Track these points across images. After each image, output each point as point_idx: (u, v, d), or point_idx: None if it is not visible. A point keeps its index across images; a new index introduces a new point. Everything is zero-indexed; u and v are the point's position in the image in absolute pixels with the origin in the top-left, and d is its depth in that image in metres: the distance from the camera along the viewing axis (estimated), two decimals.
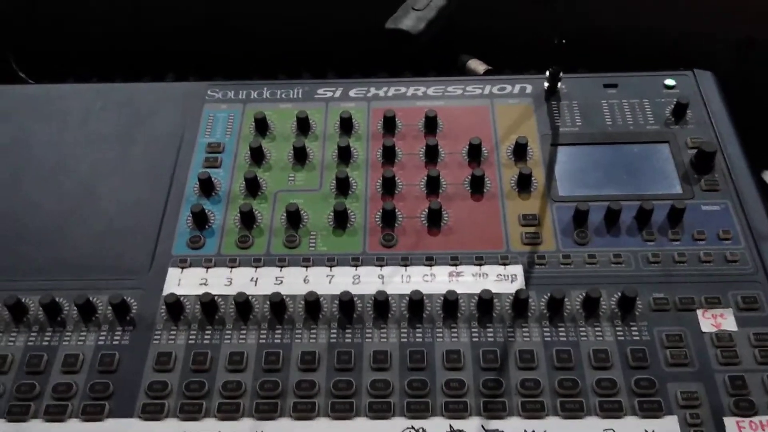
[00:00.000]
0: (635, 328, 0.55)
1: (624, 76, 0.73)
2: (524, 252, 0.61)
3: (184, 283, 0.60)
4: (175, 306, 0.57)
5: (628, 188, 0.64)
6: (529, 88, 0.73)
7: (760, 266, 0.58)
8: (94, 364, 0.55)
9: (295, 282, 0.59)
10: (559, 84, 0.71)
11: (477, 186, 0.65)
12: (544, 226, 0.62)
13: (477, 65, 0.79)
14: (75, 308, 0.58)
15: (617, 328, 0.55)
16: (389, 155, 0.67)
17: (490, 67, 0.79)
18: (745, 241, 0.60)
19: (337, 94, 0.73)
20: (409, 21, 0.42)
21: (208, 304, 0.57)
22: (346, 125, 0.70)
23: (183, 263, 0.61)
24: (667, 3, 0.80)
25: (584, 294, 0.56)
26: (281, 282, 0.59)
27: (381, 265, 0.60)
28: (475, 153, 0.67)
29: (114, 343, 0.57)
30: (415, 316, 0.57)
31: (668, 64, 0.75)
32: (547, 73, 0.71)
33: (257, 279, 0.60)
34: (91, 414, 0.53)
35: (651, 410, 0.51)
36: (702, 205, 0.62)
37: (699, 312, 0.56)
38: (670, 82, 0.72)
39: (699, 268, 0.58)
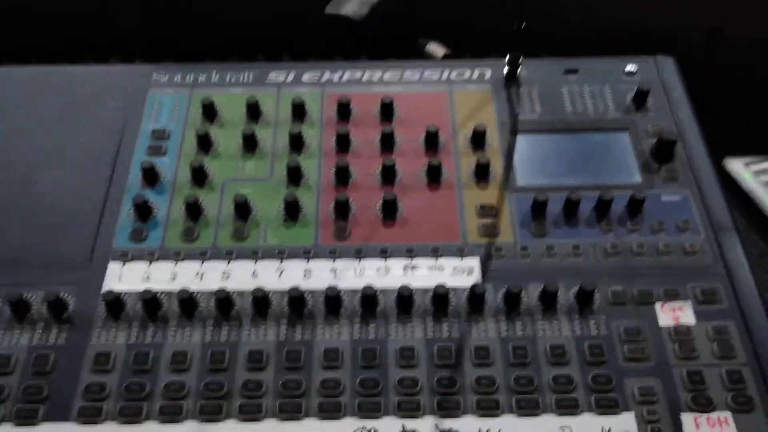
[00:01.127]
0: (593, 323, 0.54)
1: (585, 61, 0.71)
2: (481, 244, 0.59)
3: (125, 278, 0.57)
4: (115, 303, 0.54)
5: (587, 178, 0.62)
6: (488, 74, 0.71)
7: (719, 258, 0.57)
8: (27, 365, 0.52)
9: (242, 277, 0.57)
10: (519, 69, 0.70)
11: (434, 176, 0.62)
12: (502, 217, 0.60)
13: (436, 49, 0.77)
14: (7, 306, 0.54)
15: (575, 323, 0.54)
16: (343, 143, 0.65)
17: (449, 51, 0.76)
18: (704, 232, 0.59)
19: (290, 78, 0.70)
20: (352, 6, 0.39)
21: (150, 301, 0.54)
22: (299, 112, 0.67)
23: (124, 257, 0.58)
24: None
25: (542, 287, 0.55)
26: (228, 277, 0.57)
27: (333, 259, 0.58)
28: (432, 141, 0.65)
29: (49, 342, 0.53)
30: (368, 312, 0.55)
31: (634, 50, 0.73)
32: (507, 58, 0.69)
33: (203, 274, 0.57)
34: (24, 418, 0.50)
35: (608, 407, 0.50)
36: (662, 195, 0.61)
37: (657, 305, 0.55)
38: (631, 68, 0.70)
39: (658, 260, 0.57)
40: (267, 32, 0.82)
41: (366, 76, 0.70)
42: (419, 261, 0.57)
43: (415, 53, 0.80)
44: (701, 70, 0.78)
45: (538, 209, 0.60)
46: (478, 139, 0.64)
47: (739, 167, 0.82)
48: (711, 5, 0.79)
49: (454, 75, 0.71)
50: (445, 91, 0.69)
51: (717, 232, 0.59)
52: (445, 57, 0.76)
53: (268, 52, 0.79)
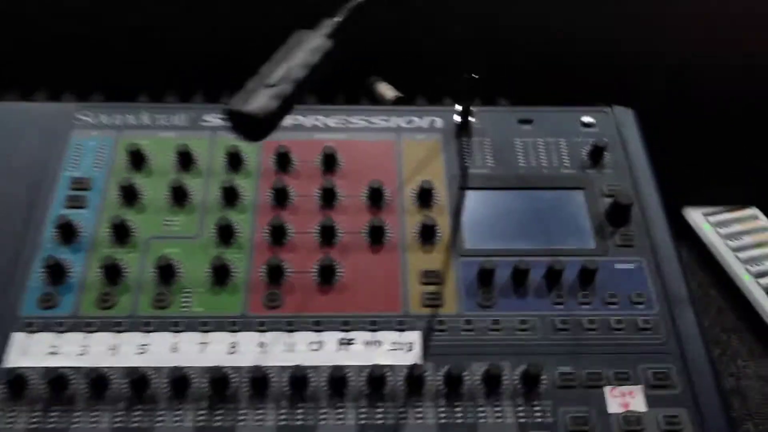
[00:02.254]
0: (538, 409, 0.50)
1: (540, 110, 0.68)
2: (423, 315, 0.55)
3: (30, 351, 0.51)
4: (16, 382, 0.49)
5: (539, 241, 0.59)
6: (439, 122, 0.67)
7: (673, 335, 0.54)
8: None
9: (161, 351, 0.52)
10: (471, 118, 0.66)
11: (376, 236, 0.58)
12: (446, 284, 0.56)
13: (386, 90, 0.73)
14: None
15: (519, 408, 0.50)
16: (280, 198, 0.60)
17: (400, 94, 0.72)
18: (658, 305, 0.55)
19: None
20: (259, 101, 0.34)
21: (56, 380, 0.49)
22: (234, 161, 0.62)
23: (30, 327, 0.52)
24: (593, 31, 0.76)
25: (485, 369, 0.51)
26: (145, 351, 0.52)
27: (262, 331, 0.53)
28: (375, 197, 0.60)
29: None
30: (297, 394, 0.50)
31: (595, 94, 0.70)
32: (458, 107, 0.65)
33: (118, 347, 0.52)
34: None
35: None
36: (615, 263, 0.58)
37: (606, 389, 0.51)
38: (587, 119, 0.67)
39: (609, 337, 0.54)
40: (211, 63, 0.77)
41: (309, 122, 0.66)
42: (356, 334, 0.53)
43: (364, 91, 0.75)
44: (661, 115, 0.76)
45: (485, 278, 0.56)
46: (424, 196, 0.60)
47: (698, 218, 0.79)
48: (673, 47, 0.77)
49: (403, 122, 0.66)
50: (392, 139, 0.65)
51: (672, 305, 0.55)
52: (396, 100, 0.72)
53: (210, 87, 0.75)
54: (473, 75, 0.61)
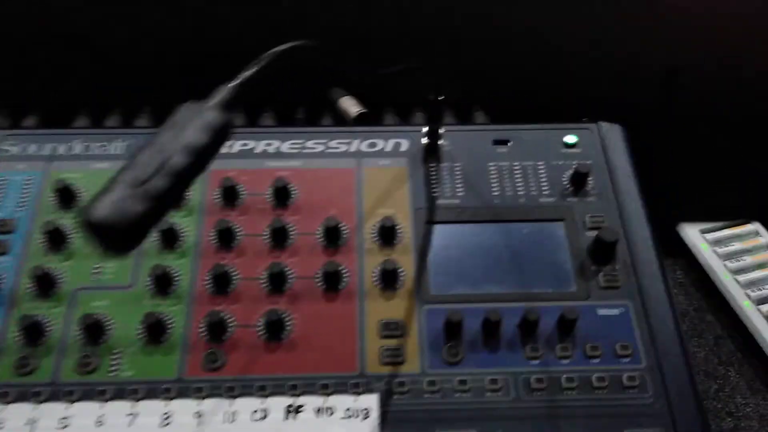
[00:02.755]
0: None
1: (517, 129, 0.61)
2: (382, 375, 0.49)
3: None
4: None
5: (513, 283, 0.53)
6: (404, 145, 0.60)
7: (662, 393, 0.48)
8: None
9: (85, 425, 0.46)
10: (440, 141, 0.59)
11: (331, 282, 0.52)
12: (409, 337, 0.50)
13: (349, 106, 0.66)
14: None
15: None
16: (225, 239, 0.54)
17: (364, 110, 0.65)
18: (646, 358, 0.50)
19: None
20: (118, 206, 0.28)
21: None
22: None
23: None
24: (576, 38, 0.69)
25: None
26: (67, 425, 0.46)
27: (200, 398, 0.47)
28: (332, 236, 0.54)
29: None
30: None
31: (579, 107, 0.63)
32: (424, 129, 0.59)
33: (36, 421, 0.46)
34: None
35: None
36: (598, 307, 0.52)
37: None
38: (570, 139, 0.60)
39: (590, 398, 0.48)
40: (163, 74, 0.71)
41: (260, 147, 0.59)
42: (306, 400, 0.47)
43: (326, 104, 0.69)
44: (652, 126, 0.69)
45: (452, 330, 0.50)
46: (386, 234, 0.54)
47: (694, 235, 0.73)
48: (664, 50, 0.70)
49: (364, 146, 0.60)
50: (352, 166, 0.59)
51: (661, 357, 0.49)
52: (360, 117, 0.65)
53: (157, 109, 0.68)
54: (438, 97, 0.54)
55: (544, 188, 0.57)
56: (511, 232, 0.55)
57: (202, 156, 0.32)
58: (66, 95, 0.67)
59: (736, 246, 0.72)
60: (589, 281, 0.53)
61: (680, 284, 0.73)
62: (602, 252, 0.53)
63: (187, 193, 0.56)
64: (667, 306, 0.52)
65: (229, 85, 0.34)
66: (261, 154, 0.59)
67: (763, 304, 0.67)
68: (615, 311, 0.52)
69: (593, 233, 0.55)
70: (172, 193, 0.29)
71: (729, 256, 0.71)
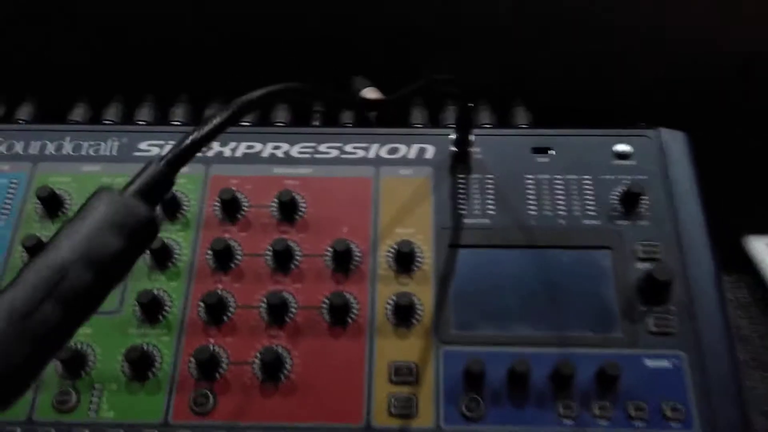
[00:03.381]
0: None
1: (562, 134, 0.53)
2: (391, 428, 0.43)
3: None
4: None
5: (548, 323, 0.45)
6: (430, 151, 0.53)
7: None
8: None
9: None
10: (470, 148, 0.52)
11: (338, 315, 0.46)
12: (422, 385, 0.44)
13: (370, 95, 0.59)
14: None
15: None
16: (223, 259, 0.48)
17: (385, 97, 0.58)
18: (700, 424, 0.42)
19: (166, 150, 0.53)
20: None
21: None
22: (170, 206, 0.50)
23: None
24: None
25: None
26: None
27: None
28: (341, 260, 0.48)
29: None
30: None
31: (637, 111, 0.54)
32: (453, 137, 0.51)
33: None
34: None
35: None
36: (646, 357, 0.44)
37: None
38: (622, 148, 0.52)
39: None
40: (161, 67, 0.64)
41: (267, 151, 0.53)
42: None
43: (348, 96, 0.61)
44: (721, 124, 0.60)
45: (473, 379, 0.44)
46: (404, 259, 0.47)
47: (762, 250, 0.64)
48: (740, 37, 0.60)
49: (384, 151, 0.53)
50: (370, 175, 0.52)
51: (718, 424, 0.42)
52: (379, 109, 0.57)
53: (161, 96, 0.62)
54: (468, 104, 0.47)
55: (589, 208, 0.49)
56: (549, 261, 0.48)
57: (114, 268, 0.25)
58: (65, 81, 0.61)
59: None
60: (636, 324, 0.45)
61: (743, 306, 0.64)
62: (655, 291, 0.46)
63: (184, 204, 0.50)
64: (727, 360, 0.44)
65: (159, 164, 0.27)
66: (268, 158, 0.52)
67: None
68: (666, 363, 0.44)
69: (645, 266, 0.47)
70: (67, 325, 0.23)
71: None
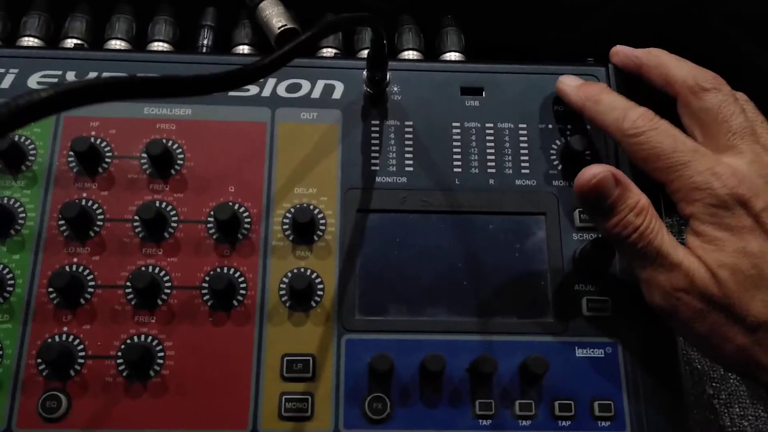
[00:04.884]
0: None
1: (498, 71, 0.44)
2: None
3: None
4: None
5: (467, 307, 0.39)
6: (338, 90, 0.43)
7: None
8: None
9: None
10: (386, 85, 0.43)
11: (222, 296, 0.38)
12: (321, 380, 0.38)
13: (273, 15, 0.48)
14: None
15: None
16: (79, 226, 0.39)
17: (292, 26, 0.47)
18: (633, 424, 0.37)
19: (6, 83, 0.42)
20: None
21: None
22: (11, 155, 0.40)
23: None
24: None
25: None
26: None
27: None
28: (227, 227, 0.40)
29: None
30: None
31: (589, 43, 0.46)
32: (366, 73, 0.42)
33: None
34: None
35: None
36: (577, 347, 0.39)
37: None
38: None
39: None
40: None
41: None
42: None
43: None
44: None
45: (378, 377, 0.37)
46: (303, 228, 0.40)
47: None
48: None
49: (282, 88, 0.43)
50: (264, 119, 0.42)
51: (650, 420, 0.37)
52: (284, 34, 0.47)
53: None
54: (383, 41, 0.37)
55: (524, 165, 0.42)
56: (473, 229, 0.40)
57: None
58: None
59: None
60: (569, 307, 0.39)
61: None
62: (592, 269, 0.40)
63: (30, 153, 0.40)
64: (669, 349, 0.39)
65: None
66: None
67: None
68: (599, 352, 0.39)
69: (583, 237, 0.40)
70: None
71: None
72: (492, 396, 0.37)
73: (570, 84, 0.41)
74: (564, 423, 0.37)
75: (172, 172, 0.41)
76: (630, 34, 0.45)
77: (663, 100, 0.41)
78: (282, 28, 0.47)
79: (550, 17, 0.51)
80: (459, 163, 0.42)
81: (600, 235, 0.40)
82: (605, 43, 0.45)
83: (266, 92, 0.43)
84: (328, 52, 0.47)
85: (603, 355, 0.38)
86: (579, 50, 0.44)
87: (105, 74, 0.42)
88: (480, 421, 0.37)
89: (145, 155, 0.40)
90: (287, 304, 0.39)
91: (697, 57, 0.41)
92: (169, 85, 0.25)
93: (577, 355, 0.38)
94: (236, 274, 0.39)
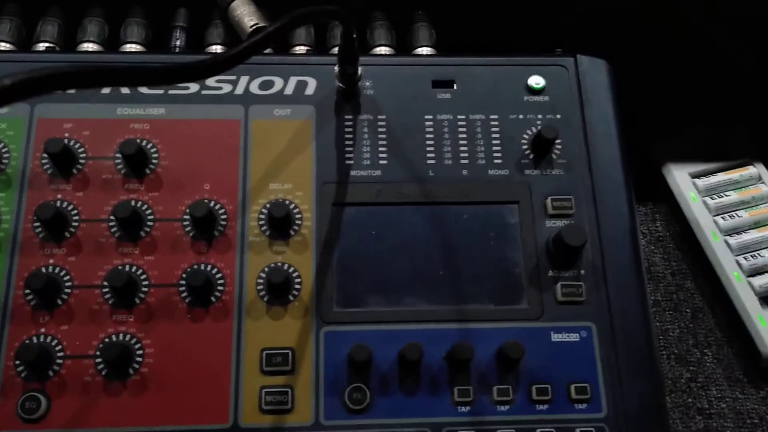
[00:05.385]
0: None
1: (468, 64, 0.45)
2: (263, 427, 0.37)
3: None
4: None
5: (443, 296, 0.39)
6: (311, 86, 0.44)
7: None
8: None
9: None
10: (358, 80, 0.43)
11: (199, 293, 0.39)
12: (300, 373, 0.38)
13: (245, 15, 0.48)
14: None
15: None
16: (54, 227, 0.39)
17: (264, 24, 0.48)
18: (609, 406, 0.38)
19: None
20: None
21: None
22: None
23: None
24: None
25: None
26: None
27: None
28: (203, 225, 0.40)
29: None
30: None
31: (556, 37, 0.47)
32: (337, 67, 0.42)
33: None
34: None
35: None
36: (552, 331, 0.40)
37: None
38: (536, 81, 0.44)
39: None
40: None
41: (109, 87, 0.43)
42: None
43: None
44: (639, 44, 0.53)
45: (357, 368, 0.38)
46: (279, 223, 0.40)
47: (682, 180, 0.59)
48: None
49: (255, 86, 0.43)
50: (237, 117, 0.43)
51: (628, 407, 0.38)
52: (256, 33, 0.48)
53: None
54: (352, 35, 0.38)
55: (495, 156, 0.42)
56: (448, 219, 0.41)
57: None
58: None
59: (732, 197, 0.58)
60: (543, 293, 0.40)
61: (659, 240, 0.60)
62: (565, 254, 0.40)
63: (4, 156, 0.40)
64: (643, 332, 0.39)
65: None
66: (109, 95, 0.42)
67: (755, 276, 0.55)
68: (574, 336, 0.39)
69: (556, 224, 0.41)
70: None
71: (722, 210, 0.58)
72: (470, 383, 0.38)
73: None
74: (541, 407, 0.38)
75: (147, 171, 0.41)
76: (604, 30, 0.46)
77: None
78: (254, 27, 0.48)
79: (523, 13, 0.52)
80: (432, 154, 0.42)
81: (571, 222, 0.40)
82: (579, 38, 0.46)
83: (239, 90, 0.43)
84: (301, 50, 0.47)
85: (578, 339, 0.39)
86: (552, 45, 0.45)
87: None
88: (459, 407, 0.37)
89: (119, 155, 0.40)
90: (265, 299, 0.39)
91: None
92: (136, 74, 0.25)
93: (552, 339, 0.39)
94: (213, 271, 0.39)
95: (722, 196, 0.58)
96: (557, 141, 0.42)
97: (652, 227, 0.61)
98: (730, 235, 0.57)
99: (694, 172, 0.60)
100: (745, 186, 0.59)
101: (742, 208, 0.58)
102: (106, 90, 0.42)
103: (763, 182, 0.59)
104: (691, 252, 0.58)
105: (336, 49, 0.46)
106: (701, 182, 0.59)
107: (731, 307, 0.55)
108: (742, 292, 0.54)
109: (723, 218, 0.57)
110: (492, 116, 0.43)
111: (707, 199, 0.58)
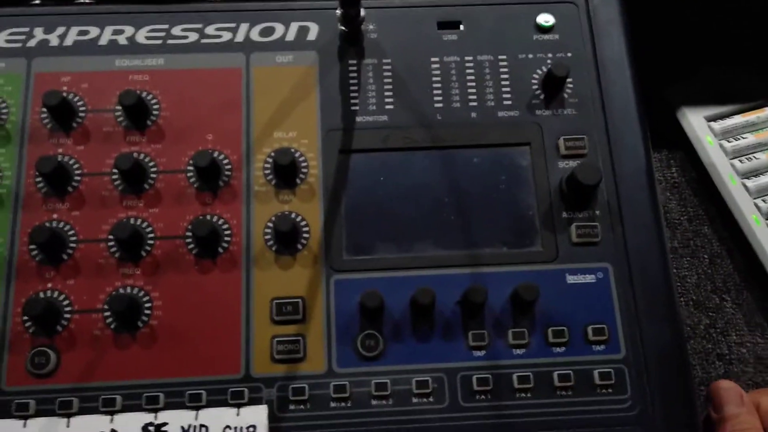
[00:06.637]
0: None
1: (473, 4, 0.43)
2: (275, 377, 0.36)
3: None
4: None
5: (454, 240, 0.38)
6: (313, 31, 0.42)
7: (645, 396, 0.37)
8: None
9: None
10: (361, 24, 0.42)
11: (206, 243, 0.38)
12: (312, 322, 0.37)
13: None
14: None
15: None
16: (56, 182, 0.38)
17: None
18: (627, 346, 0.37)
19: None
20: None
21: None
22: None
23: None
24: None
25: None
26: None
27: (23, 417, 0.35)
28: (207, 176, 0.39)
29: None
30: None
31: None
32: (339, 10, 0.41)
33: None
34: None
35: None
36: (568, 272, 0.39)
37: None
38: (545, 19, 0.43)
39: (548, 403, 0.36)
40: None
41: (106, 36, 0.42)
42: (169, 416, 0.35)
43: None
44: None
45: (369, 314, 0.37)
46: (285, 171, 0.39)
47: (698, 125, 0.58)
48: None
49: (256, 32, 0.42)
50: (238, 65, 0.41)
51: (647, 346, 0.37)
52: None
53: None
54: None
55: (505, 97, 0.41)
56: (457, 163, 0.40)
57: None
58: None
59: (749, 140, 0.57)
60: (557, 235, 0.39)
61: (674, 186, 0.59)
62: (579, 195, 0.39)
63: (2, 112, 0.40)
64: (661, 272, 0.38)
65: None
66: (107, 47, 0.41)
67: None
68: (590, 277, 0.38)
69: (569, 164, 0.40)
70: None
71: (738, 153, 0.57)
72: (485, 326, 0.37)
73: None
74: (558, 349, 0.37)
75: (148, 123, 0.40)
76: None
77: None
78: None
79: None
80: (440, 98, 0.41)
81: (585, 161, 0.39)
82: None
83: (239, 37, 0.42)
84: None
85: (595, 281, 0.38)
86: None
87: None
88: (474, 352, 0.37)
89: (119, 108, 0.40)
90: (273, 248, 0.38)
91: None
92: None
93: (568, 281, 0.38)
94: (219, 221, 0.38)
95: (738, 139, 0.57)
96: (568, 80, 0.41)
97: (668, 174, 0.59)
98: (747, 177, 0.55)
99: (710, 115, 0.58)
100: (762, 127, 0.57)
101: (760, 150, 0.56)
102: (103, 41, 0.41)
103: None
104: (708, 197, 0.57)
105: None
106: (717, 125, 0.57)
107: (750, 251, 0.54)
108: (761, 235, 0.53)
109: (740, 161, 0.56)
110: (500, 56, 0.42)
111: (723, 142, 0.56)
